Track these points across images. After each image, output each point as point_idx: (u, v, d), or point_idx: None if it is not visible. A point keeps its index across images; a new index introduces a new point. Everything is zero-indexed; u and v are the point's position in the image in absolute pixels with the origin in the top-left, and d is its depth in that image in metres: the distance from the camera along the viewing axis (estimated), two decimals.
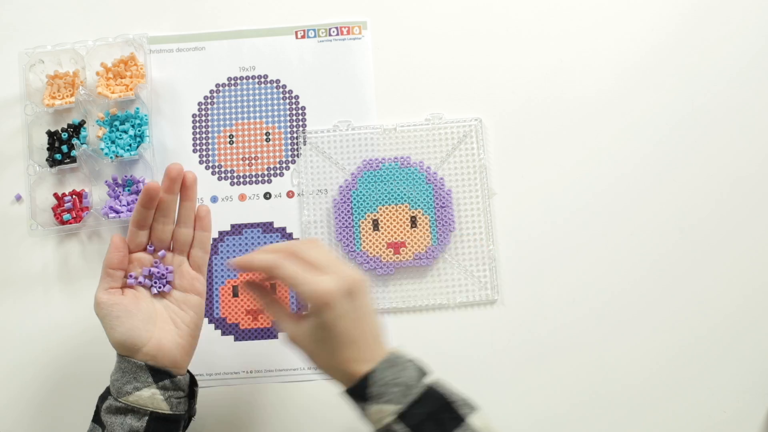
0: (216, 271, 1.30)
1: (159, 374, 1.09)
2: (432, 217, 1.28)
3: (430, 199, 1.28)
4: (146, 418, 1.07)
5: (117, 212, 1.27)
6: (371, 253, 1.27)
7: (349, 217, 1.28)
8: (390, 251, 1.27)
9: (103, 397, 1.11)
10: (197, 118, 1.35)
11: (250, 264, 1.06)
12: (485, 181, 1.30)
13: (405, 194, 1.28)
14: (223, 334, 1.29)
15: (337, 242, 1.29)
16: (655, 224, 1.29)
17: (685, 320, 1.26)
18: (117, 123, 1.31)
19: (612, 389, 1.23)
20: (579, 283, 1.27)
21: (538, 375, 1.25)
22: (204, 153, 1.33)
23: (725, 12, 1.35)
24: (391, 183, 1.29)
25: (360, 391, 1.01)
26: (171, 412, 1.09)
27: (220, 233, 1.30)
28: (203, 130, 1.34)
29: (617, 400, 1.23)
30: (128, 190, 1.30)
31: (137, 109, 1.32)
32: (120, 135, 1.30)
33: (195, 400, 1.16)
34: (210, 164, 1.33)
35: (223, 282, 1.30)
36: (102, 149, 1.29)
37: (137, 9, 1.39)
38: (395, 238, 1.27)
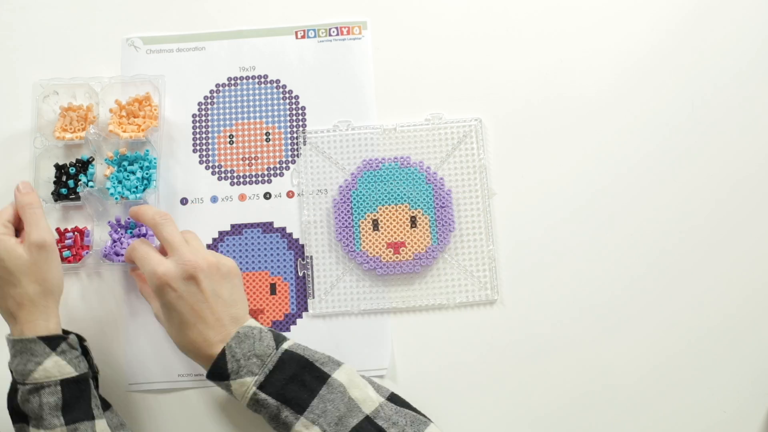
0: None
1: (52, 342, 1.10)
2: (432, 217, 1.27)
3: (430, 199, 1.28)
4: (58, 387, 1.08)
5: (118, 255, 1.27)
6: (371, 253, 1.27)
7: (349, 217, 1.28)
8: (390, 251, 1.27)
9: (12, 393, 1.12)
10: (197, 118, 1.35)
11: (128, 253, 1.20)
12: (485, 181, 1.29)
13: (405, 194, 1.28)
14: None
15: (337, 242, 1.28)
16: (654, 224, 1.29)
17: (685, 320, 1.26)
18: (126, 163, 1.30)
19: (612, 389, 1.23)
20: (579, 283, 1.27)
21: (538, 375, 1.25)
22: (204, 153, 1.33)
23: (725, 12, 1.35)
24: (391, 183, 1.28)
25: (219, 371, 1.09)
26: (78, 373, 1.11)
27: (220, 233, 1.31)
28: (203, 130, 1.34)
29: (617, 399, 1.23)
30: (130, 233, 1.29)
31: (147, 151, 1.31)
32: (127, 176, 1.29)
33: (91, 356, 1.18)
34: (210, 164, 1.33)
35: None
36: (108, 188, 1.28)
37: (137, 9, 1.39)
38: (395, 238, 1.27)
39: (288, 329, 1.28)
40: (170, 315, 1.12)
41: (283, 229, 1.30)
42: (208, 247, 1.30)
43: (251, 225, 1.31)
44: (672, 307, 1.26)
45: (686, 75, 1.33)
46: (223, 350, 1.09)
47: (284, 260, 1.29)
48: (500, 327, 1.26)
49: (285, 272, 1.29)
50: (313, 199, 1.30)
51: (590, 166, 1.31)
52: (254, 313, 1.28)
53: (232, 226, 1.31)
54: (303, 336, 1.24)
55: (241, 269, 1.27)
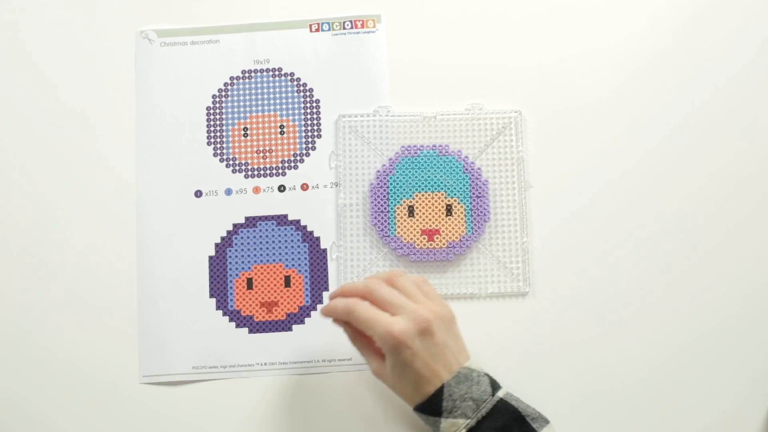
0: (230, 262, 1.29)
1: None
2: (467, 206, 1.28)
3: (467, 188, 1.28)
4: None
5: None
6: (405, 239, 1.27)
7: (384, 202, 1.28)
8: (424, 238, 1.27)
9: None
10: (211, 111, 1.33)
11: (333, 312, 1.11)
12: (522, 173, 1.30)
13: (442, 182, 1.28)
14: (237, 326, 1.28)
15: (371, 226, 1.28)
16: (652, 226, 1.30)
17: (686, 319, 1.27)
18: None
19: (612, 389, 1.24)
20: (607, 279, 1.28)
21: (558, 369, 1.26)
22: (218, 146, 1.32)
23: (725, 12, 1.37)
24: (429, 170, 1.28)
25: (433, 406, 1.06)
26: None
27: (234, 225, 1.30)
28: (217, 122, 1.33)
29: (616, 399, 1.25)
30: None
31: None
32: None
33: None
34: (224, 157, 1.32)
35: (237, 274, 1.29)
36: None
37: (150, 1, 1.37)
38: (430, 226, 1.27)
39: (302, 321, 1.27)
40: (404, 372, 1.08)
41: (298, 221, 1.29)
42: (222, 240, 1.31)
43: (265, 218, 1.30)
44: (673, 305, 1.28)
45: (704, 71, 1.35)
46: (442, 387, 1.06)
47: (298, 252, 1.29)
48: (530, 320, 1.26)
49: (299, 265, 1.29)
50: (350, 182, 1.30)
51: (629, 164, 1.31)
52: (269, 306, 1.27)
53: (246, 218, 1.30)
54: (323, 324, 1.23)
55: (255, 262, 1.29)
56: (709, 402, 1.25)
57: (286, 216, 1.30)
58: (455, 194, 1.28)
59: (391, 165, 1.29)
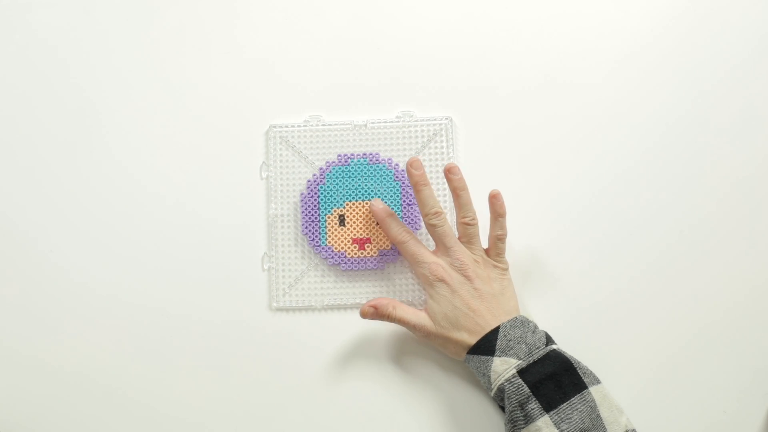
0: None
1: None
2: (398, 214, 1.27)
3: (397, 196, 1.28)
4: None
5: None
6: (336, 248, 1.27)
7: (315, 212, 1.28)
8: (355, 247, 1.27)
9: None
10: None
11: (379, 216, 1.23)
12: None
13: (372, 191, 1.28)
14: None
15: (303, 236, 1.28)
16: (651, 224, 1.29)
17: (685, 319, 1.26)
18: None
19: (611, 389, 1.21)
20: (547, 285, 1.27)
21: None
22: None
23: (725, 14, 1.35)
24: (359, 179, 1.29)
25: (487, 345, 1.12)
26: None
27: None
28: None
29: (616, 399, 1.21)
30: None
31: None
32: None
33: None
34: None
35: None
36: None
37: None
38: (361, 234, 1.27)
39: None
40: (446, 311, 1.17)
41: None
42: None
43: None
44: (672, 305, 1.26)
45: (681, 75, 1.33)
46: (498, 327, 1.12)
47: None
48: None
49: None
50: (280, 192, 1.30)
51: (564, 170, 1.30)
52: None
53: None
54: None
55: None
56: (709, 402, 1.24)
57: None
58: (386, 202, 1.28)
59: (321, 174, 1.30)
